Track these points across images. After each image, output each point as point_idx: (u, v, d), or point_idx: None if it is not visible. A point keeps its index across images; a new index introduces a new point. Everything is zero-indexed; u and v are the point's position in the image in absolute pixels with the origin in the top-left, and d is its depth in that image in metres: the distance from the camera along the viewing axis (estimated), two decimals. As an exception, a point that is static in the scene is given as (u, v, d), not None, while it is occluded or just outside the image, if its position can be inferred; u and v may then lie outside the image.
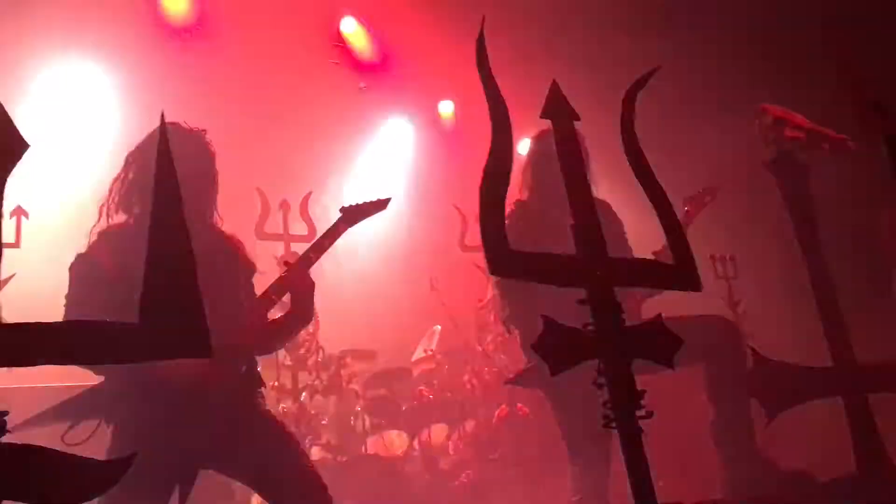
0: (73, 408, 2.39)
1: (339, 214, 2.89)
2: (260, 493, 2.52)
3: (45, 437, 2.05)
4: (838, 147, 2.52)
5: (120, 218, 2.63)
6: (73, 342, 0.98)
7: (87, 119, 5.91)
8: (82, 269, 2.45)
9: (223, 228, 2.78)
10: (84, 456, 1.02)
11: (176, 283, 1.01)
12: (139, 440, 2.30)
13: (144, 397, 2.32)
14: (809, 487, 2.45)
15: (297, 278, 2.67)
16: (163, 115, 1.13)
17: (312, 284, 2.69)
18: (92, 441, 2.35)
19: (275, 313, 2.75)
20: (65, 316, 2.40)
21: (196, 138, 2.68)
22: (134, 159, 2.66)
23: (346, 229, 2.87)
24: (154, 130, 2.58)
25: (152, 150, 2.49)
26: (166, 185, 1.03)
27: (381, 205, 3.01)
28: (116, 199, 2.62)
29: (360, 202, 2.97)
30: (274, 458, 2.44)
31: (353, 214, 2.91)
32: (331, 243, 2.80)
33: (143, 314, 0.98)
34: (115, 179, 2.66)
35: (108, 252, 2.47)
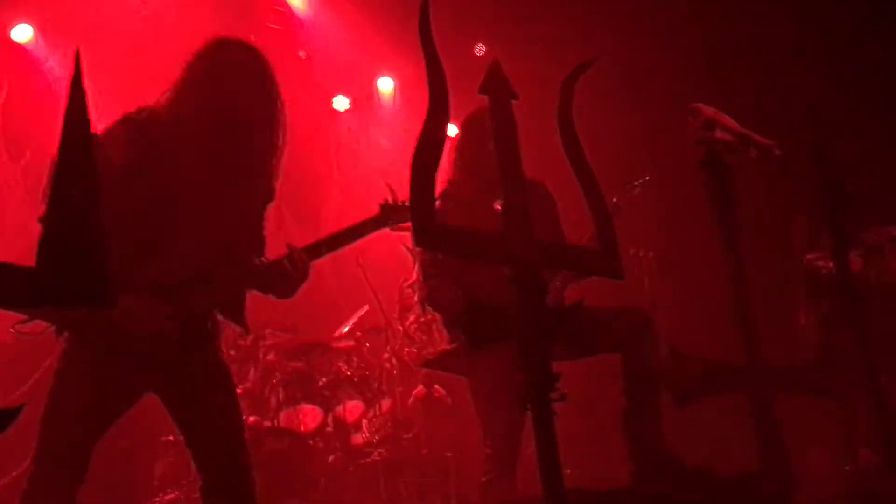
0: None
1: (376, 210, 2.64)
2: (185, 437, 2.45)
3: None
4: (765, 153, 2.58)
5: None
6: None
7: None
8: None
9: None
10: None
11: (79, 226, 0.94)
12: (91, 360, 2.26)
13: (105, 322, 2.22)
14: (711, 482, 2.52)
15: (297, 269, 2.42)
16: (77, 53, 1.06)
17: (307, 277, 2.47)
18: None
19: None
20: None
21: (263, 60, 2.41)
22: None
23: (375, 230, 2.61)
24: (216, 47, 2.38)
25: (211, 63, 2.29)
26: (76, 119, 0.96)
27: None
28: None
29: (404, 203, 2.61)
30: (213, 408, 2.39)
31: (392, 215, 2.65)
32: (351, 242, 2.57)
33: (40, 258, 0.91)
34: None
35: (124, 140, 2.26)
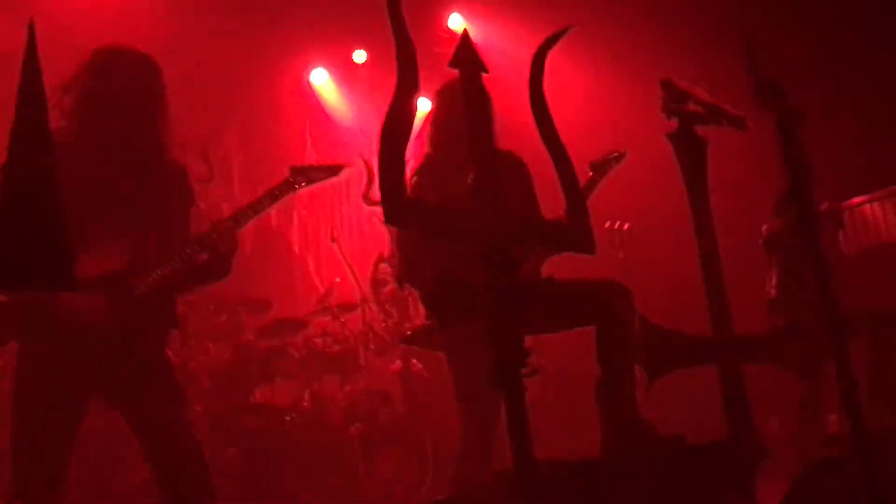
0: None
1: (286, 174, 2.73)
2: (138, 439, 2.52)
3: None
4: (736, 125, 2.58)
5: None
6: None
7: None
8: None
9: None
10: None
11: (37, 209, 0.92)
12: (41, 363, 2.34)
13: (46, 321, 2.32)
14: (683, 451, 2.55)
15: (223, 239, 2.52)
16: (31, 26, 1.03)
17: (236, 247, 2.57)
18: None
19: None
20: None
21: (142, 59, 2.57)
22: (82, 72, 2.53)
23: (290, 192, 2.72)
24: (95, 58, 2.52)
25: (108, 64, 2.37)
26: (32, 97, 0.93)
27: (334, 171, 2.80)
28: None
29: (312, 165, 2.79)
30: (157, 408, 2.47)
31: (302, 177, 2.73)
32: (271, 205, 2.68)
33: (-3, 240, 0.89)
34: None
35: None
